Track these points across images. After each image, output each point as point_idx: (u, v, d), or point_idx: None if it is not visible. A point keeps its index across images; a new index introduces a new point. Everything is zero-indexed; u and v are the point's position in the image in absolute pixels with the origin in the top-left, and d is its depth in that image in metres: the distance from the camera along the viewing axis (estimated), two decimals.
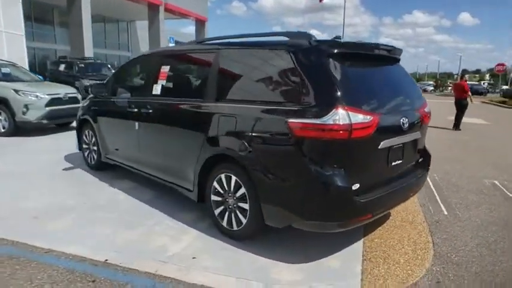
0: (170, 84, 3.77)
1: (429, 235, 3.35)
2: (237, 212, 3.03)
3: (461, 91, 10.77)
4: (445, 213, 3.92)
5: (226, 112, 3.05)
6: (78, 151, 5.48)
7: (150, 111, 3.83)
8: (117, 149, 4.57)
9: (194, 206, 3.59)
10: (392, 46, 3.16)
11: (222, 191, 3.13)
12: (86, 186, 4.47)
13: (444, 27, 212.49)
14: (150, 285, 2.44)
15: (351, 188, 2.51)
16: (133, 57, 4.92)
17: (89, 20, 19.38)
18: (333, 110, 2.43)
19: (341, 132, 2.42)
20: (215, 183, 3.18)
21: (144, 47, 30.38)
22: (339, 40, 2.77)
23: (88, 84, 11.09)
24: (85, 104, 5.27)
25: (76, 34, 19.16)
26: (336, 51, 2.65)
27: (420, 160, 3.42)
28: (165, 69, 3.82)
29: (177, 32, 33.35)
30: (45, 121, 7.57)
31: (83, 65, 14.26)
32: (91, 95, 5.14)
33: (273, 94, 2.84)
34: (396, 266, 2.77)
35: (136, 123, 4.00)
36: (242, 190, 2.94)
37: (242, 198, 2.96)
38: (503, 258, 2.93)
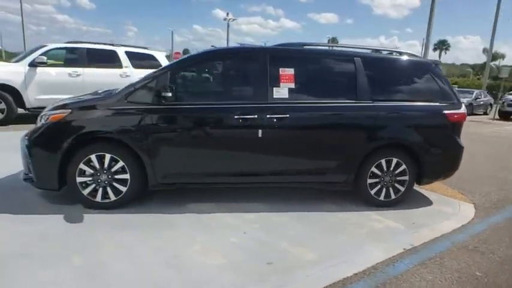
0: (304, 87, 3.77)
1: None
2: (396, 184, 4.04)
3: None
4: None
5: (389, 110, 3.89)
6: (55, 190, 3.49)
7: (284, 116, 3.64)
8: (196, 166, 3.64)
9: (311, 199, 4.12)
10: None
11: (379, 173, 3.97)
12: (201, 227, 3.35)
13: (65, 8, 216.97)
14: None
15: None
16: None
17: None
18: (462, 104, 4.15)
19: (465, 116, 4.19)
20: (373, 169, 3.95)
21: None
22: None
23: None
24: (86, 119, 3.43)
25: None
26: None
27: None
28: (288, 71, 3.72)
29: None
30: None
31: None
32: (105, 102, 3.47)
33: (417, 94, 4.06)
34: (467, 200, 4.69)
35: (260, 131, 3.59)
36: (402, 167, 3.99)
37: (401, 174, 4.00)
38: None
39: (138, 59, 8.99)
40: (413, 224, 3.64)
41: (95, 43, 8.89)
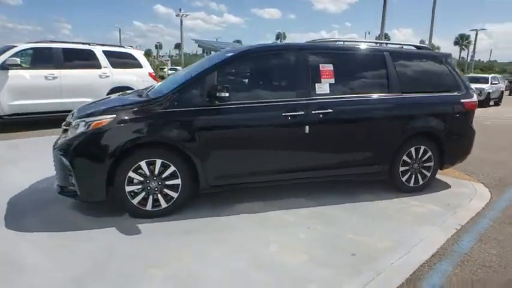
0: (342, 82, 3.87)
1: None
2: (423, 170, 4.31)
3: None
4: None
5: (418, 101, 4.15)
6: (100, 200, 3.28)
7: (328, 111, 3.71)
8: (246, 165, 3.62)
9: (344, 191, 4.29)
10: None
11: (409, 161, 4.22)
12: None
13: None
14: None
15: None
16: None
17: None
18: (474, 94, 4.52)
19: (477, 104, 4.57)
20: (404, 157, 4.19)
21: None
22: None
23: None
24: (136, 123, 3.24)
25: None
26: None
27: None
28: (328, 67, 3.81)
29: None
30: None
31: None
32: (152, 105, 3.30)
33: (437, 85, 4.36)
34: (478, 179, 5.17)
35: (307, 127, 3.64)
36: (428, 154, 4.27)
37: (427, 160, 4.28)
38: None
39: (117, 58, 8.51)
40: (448, 206, 3.92)
41: (70, 42, 8.28)
